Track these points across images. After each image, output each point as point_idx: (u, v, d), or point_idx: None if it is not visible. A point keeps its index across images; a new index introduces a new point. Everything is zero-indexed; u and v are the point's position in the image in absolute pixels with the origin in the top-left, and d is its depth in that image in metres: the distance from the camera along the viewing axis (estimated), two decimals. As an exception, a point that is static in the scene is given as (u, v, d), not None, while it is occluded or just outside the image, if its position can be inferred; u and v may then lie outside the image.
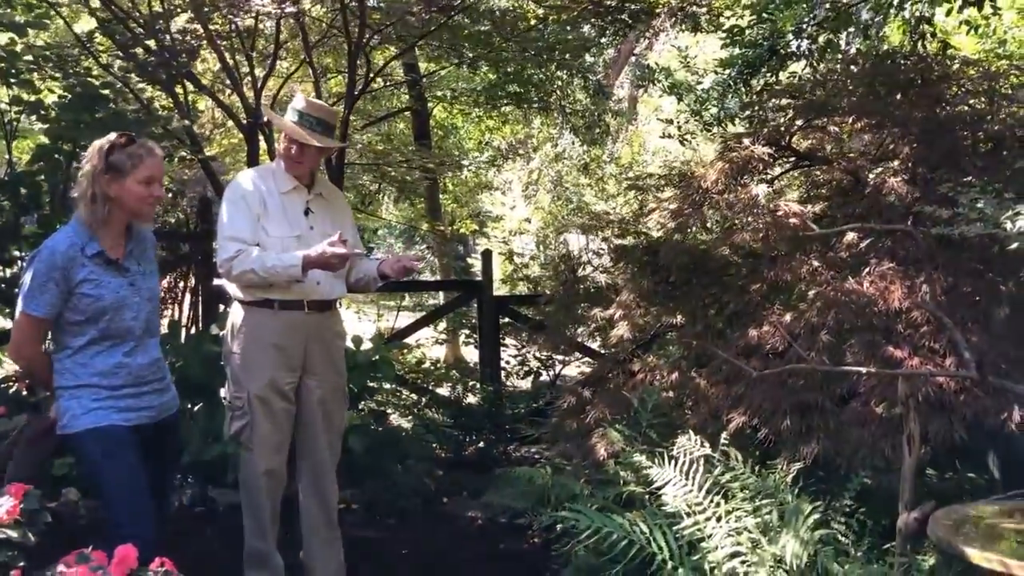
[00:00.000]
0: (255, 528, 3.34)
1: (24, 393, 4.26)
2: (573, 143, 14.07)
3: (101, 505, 2.73)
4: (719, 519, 2.71)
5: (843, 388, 3.10)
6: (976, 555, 2.25)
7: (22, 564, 1.95)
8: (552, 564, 3.33)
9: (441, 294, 10.96)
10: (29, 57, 4.59)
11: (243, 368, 3.25)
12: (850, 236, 3.54)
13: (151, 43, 5.13)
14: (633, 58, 15.02)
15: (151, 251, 2.87)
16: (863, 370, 2.90)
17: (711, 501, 2.76)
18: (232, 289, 3.31)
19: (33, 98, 4.61)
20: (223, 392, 3.39)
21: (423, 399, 6.21)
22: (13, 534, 2.01)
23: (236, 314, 3.31)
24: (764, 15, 6.76)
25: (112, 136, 2.68)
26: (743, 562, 2.56)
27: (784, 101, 4.21)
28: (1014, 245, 2.42)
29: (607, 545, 2.55)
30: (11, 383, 4.36)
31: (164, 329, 4.94)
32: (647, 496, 2.97)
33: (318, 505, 3.46)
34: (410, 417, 5.78)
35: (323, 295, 3.34)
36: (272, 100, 6.72)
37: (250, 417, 3.24)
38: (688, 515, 2.72)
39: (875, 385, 3.00)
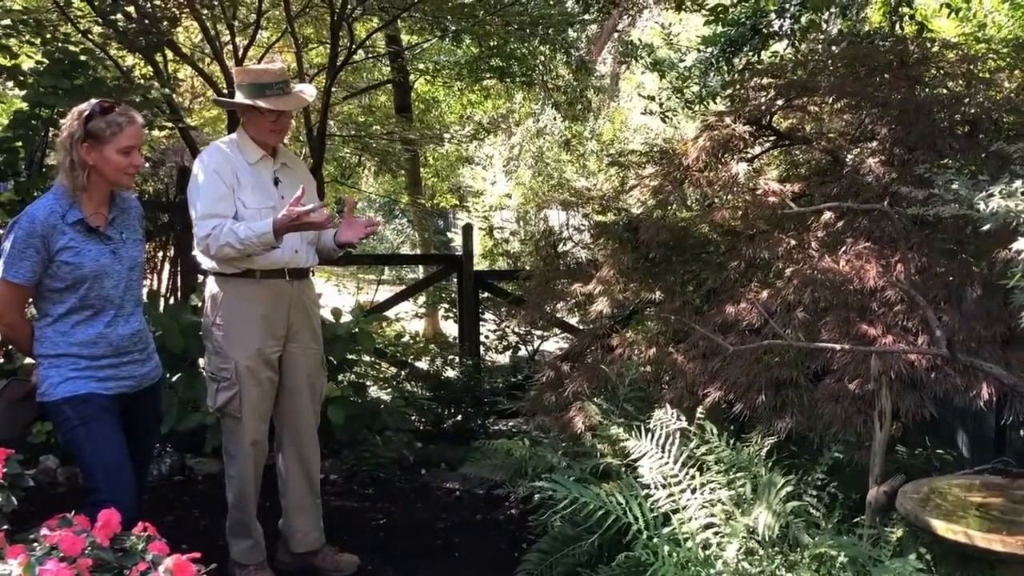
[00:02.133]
0: (239, 498, 3.36)
1: (1, 360, 4.26)
2: (555, 119, 14.05)
3: (80, 472, 2.74)
4: (694, 491, 2.76)
5: (817, 364, 3.15)
6: (942, 527, 2.31)
7: (6, 527, 1.96)
8: (529, 534, 3.37)
9: (421, 268, 10.94)
10: (7, 21, 4.53)
11: (228, 339, 3.24)
12: (827, 215, 3.57)
13: (131, 9, 5.07)
14: (616, 34, 15.00)
15: (136, 220, 2.85)
16: (837, 347, 2.94)
17: (686, 473, 2.80)
18: (208, 263, 3.28)
19: (10, 63, 4.56)
20: (203, 364, 3.38)
21: (402, 372, 6.23)
22: (-4, 498, 2.02)
23: (215, 286, 3.30)
24: (747, -6, 6.77)
25: (93, 102, 2.65)
26: (716, 533, 2.61)
27: (765, 80, 4.23)
28: (987, 226, 2.46)
29: (584, 515, 2.59)
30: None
31: (144, 299, 4.94)
32: (624, 468, 3.01)
33: (301, 473, 3.49)
34: (389, 390, 5.80)
35: (300, 263, 3.35)
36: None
37: (238, 388, 3.24)
38: (664, 487, 2.76)
39: (849, 362, 3.05)
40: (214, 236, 3.09)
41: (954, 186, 2.59)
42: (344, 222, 3.40)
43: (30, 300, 2.73)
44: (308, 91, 3.44)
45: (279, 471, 3.51)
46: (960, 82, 3.84)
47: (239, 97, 3.25)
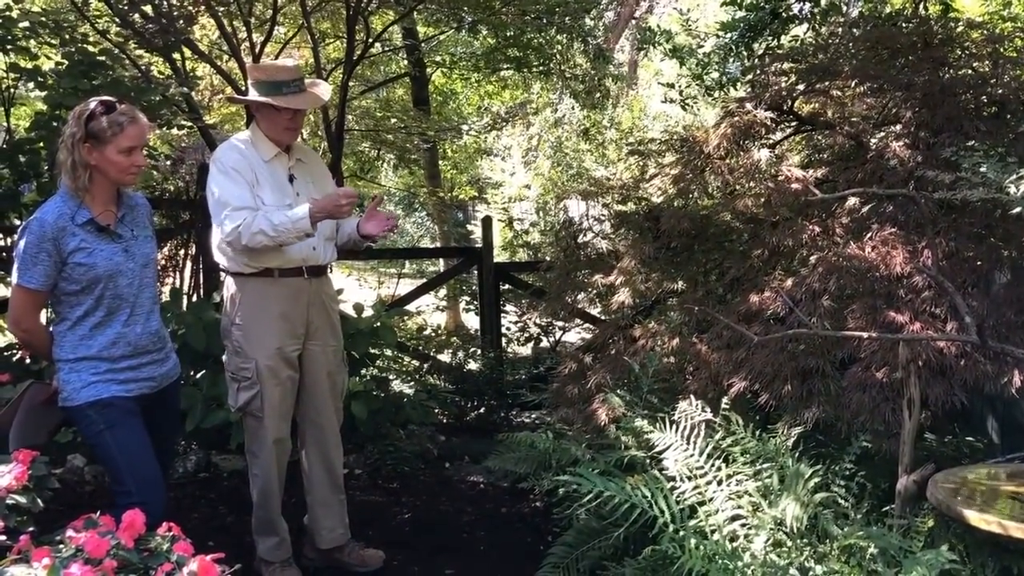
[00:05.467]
0: (263, 496, 3.36)
1: (27, 361, 4.29)
2: (573, 108, 13.98)
3: (108, 475, 2.75)
4: (720, 483, 2.73)
5: (844, 353, 3.11)
6: (974, 517, 2.27)
7: (32, 529, 1.97)
8: (554, 527, 3.36)
9: (441, 261, 10.95)
10: (25, 23, 4.55)
11: (248, 339, 3.24)
12: (852, 201, 3.52)
13: (148, 9, 5.08)
14: (633, 21, 14.90)
15: (144, 217, 2.84)
16: (864, 335, 2.90)
17: (712, 465, 2.78)
18: (226, 263, 3.29)
19: (30, 65, 4.58)
20: (225, 361, 3.38)
21: (424, 365, 6.24)
22: (22, 500, 2.03)
23: (234, 286, 3.29)
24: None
25: (92, 102, 2.62)
26: (744, 525, 2.58)
27: (786, 65, 4.17)
28: (1016, 210, 2.42)
29: (609, 509, 2.57)
30: (15, 351, 4.39)
31: (165, 297, 4.96)
32: (648, 460, 2.98)
33: (324, 470, 3.49)
34: (412, 383, 5.81)
35: (319, 260, 3.35)
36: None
37: (259, 387, 3.24)
38: (689, 479, 2.73)
39: (876, 350, 3.01)
40: (245, 225, 3.07)
41: (982, 169, 2.54)
42: (367, 213, 3.41)
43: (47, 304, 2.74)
44: (323, 89, 3.43)
45: (303, 468, 3.52)
46: (986, 62, 3.77)
47: (253, 94, 3.25)
